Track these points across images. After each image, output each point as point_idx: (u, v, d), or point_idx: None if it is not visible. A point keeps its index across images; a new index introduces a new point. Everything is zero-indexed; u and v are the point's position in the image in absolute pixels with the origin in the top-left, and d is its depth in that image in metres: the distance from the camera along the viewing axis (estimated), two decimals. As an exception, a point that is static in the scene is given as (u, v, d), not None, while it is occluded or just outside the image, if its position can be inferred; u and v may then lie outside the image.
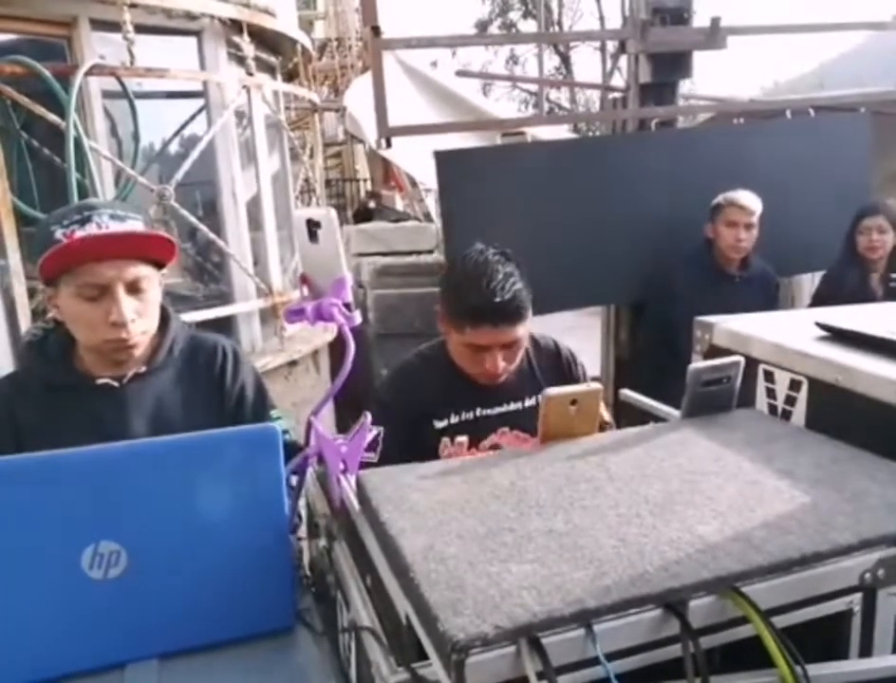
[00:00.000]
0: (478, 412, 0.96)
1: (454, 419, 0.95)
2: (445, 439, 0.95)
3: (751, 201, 1.78)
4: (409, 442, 0.90)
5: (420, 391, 0.95)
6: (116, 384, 0.82)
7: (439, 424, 0.95)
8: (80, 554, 0.57)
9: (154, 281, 0.81)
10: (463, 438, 0.95)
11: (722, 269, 1.84)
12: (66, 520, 0.57)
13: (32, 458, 0.58)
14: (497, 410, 0.97)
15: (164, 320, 0.87)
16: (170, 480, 0.59)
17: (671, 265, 1.88)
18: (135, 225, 0.79)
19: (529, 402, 0.97)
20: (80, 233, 0.75)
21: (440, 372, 0.97)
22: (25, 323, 1.91)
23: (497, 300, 0.86)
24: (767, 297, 1.87)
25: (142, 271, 0.79)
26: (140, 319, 0.79)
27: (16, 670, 0.57)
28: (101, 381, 0.82)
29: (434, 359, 0.99)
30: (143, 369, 0.84)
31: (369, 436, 0.87)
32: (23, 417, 0.80)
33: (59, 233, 0.75)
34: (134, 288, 0.78)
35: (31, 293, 1.95)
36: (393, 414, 0.92)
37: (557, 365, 1.03)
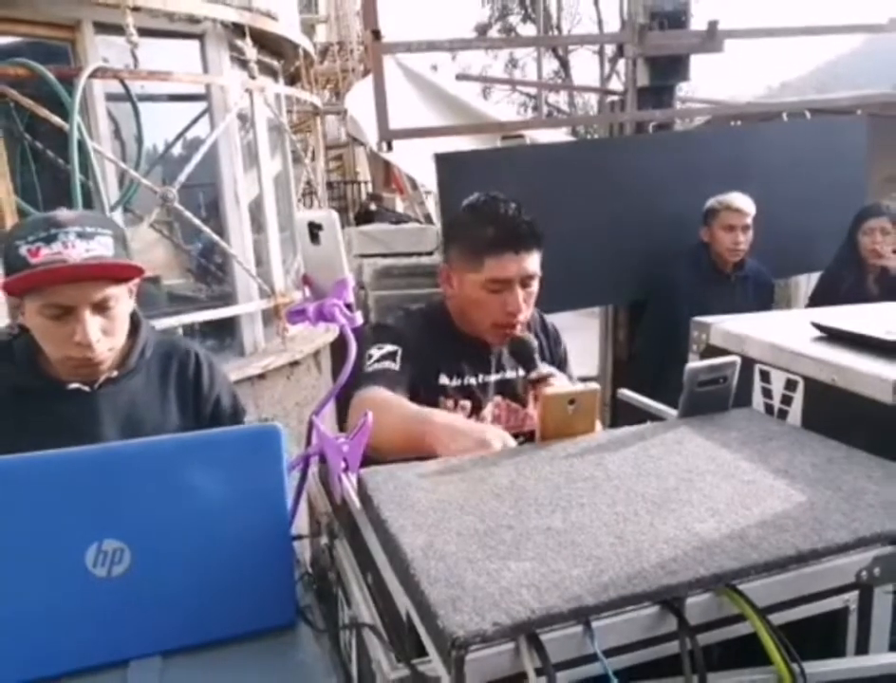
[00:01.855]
0: (480, 377, 0.95)
1: (457, 381, 0.92)
2: (448, 401, 0.91)
3: (745, 203, 1.79)
4: (415, 379, 0.86)
5: (428, 341, 0.92)
6: (87, 389, 0.81)
7: (444, 380, 0.91)
8: (84, 552, 0.58)
9: (121, 297, 0.80)
10: (466, 403, 0.93)
11: (717, 271, 1.84)
12: (70, 518, 0.57)
13: (36, 457, 0.59)
14: (494, 377, 0.96)
15: (135, 325, 0.86)
16: (173, 478, 0.60)
17: (667, 266, 1.89)
18: (103, 241, 0.76)
19: (521, 372, 0.95)
20: (45, 251, 0.73)
21: (444, 333, 0.95)
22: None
23: (516, 225, 0.86)
24: (762, 298, 1.87)
25: (109, 291, 0.77)
26: (105, 337, 0.78)
27: (20, 667, 0.58)
28: (72, 387, 0.80)
29: (437, 320, 0.96)
30: (115, 373, 0.83)
31: (380, 352, 0.83)
32: None
33: (23, 249, 0.73)
34: (100, 307, 0.77)
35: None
36: (405, 340, 0.88)
37: (545, 337, 1.03)
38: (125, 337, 0.84)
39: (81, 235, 0.75)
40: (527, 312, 0.91)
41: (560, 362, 1.04)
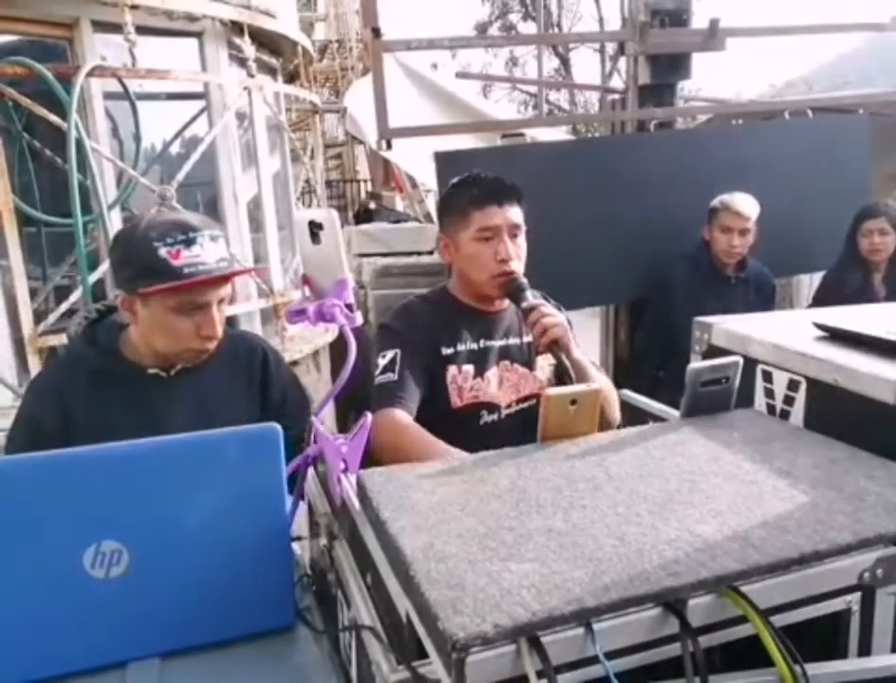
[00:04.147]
0: (482, 342, 1.00)
1: (460, 347, 0.99)
2: (452, 367, 0.98)
3: (746, 206, 1.77)
4: (420, 366, 0.94)
5: (426, 323, 1.00)
6: (164, 375, 0.86)
7: (446, 351, 0.98)
8: (82, 553, 0.57)
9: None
10: (469, 367, 0.98)
11: (718, 271, 1.84)
12: (69, 519, 0.57)
13: (35, 458, 0.59)
14: (499, 343, 1.02)
15: None
16: (171, 480, 0.59)
17: (668, 265, 1.88)
18: (223, 244, 0.84)
19: (526, 338, 1.03)
20: (185, 254, 0.79)
21: (444, 308, 1.03)
22: (27, 322, 1.91)
23: (496, 182, 0.98)
24: (763, 298, 1.86)
25: (229, 289, 0.86)
26: (220, 330, 0.85)
27: (18, 668, 0.57)
28: (151, 371, 0.86)
29: (436, 299, 1.05)
30: (190, 363, 0.87)
31: (383, 361, 0.92)
32: (72, 402, 0.83)
33: (163, 251, 0.78)
34: (220, 302, 0.84)
35: (33, 293, 1.95)
36: (403, 337, 0.97)
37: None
38: None
39: (212, 238, 0.82)
40: (518, 263, 0.98)
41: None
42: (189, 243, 0.79)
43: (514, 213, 0.98)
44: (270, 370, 0.93)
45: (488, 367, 0.99)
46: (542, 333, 0.91)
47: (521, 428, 0.88)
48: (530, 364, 1.02)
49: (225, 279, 0.83)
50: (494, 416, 0.98)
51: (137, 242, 0.79)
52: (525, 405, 1.00)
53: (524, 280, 0.97)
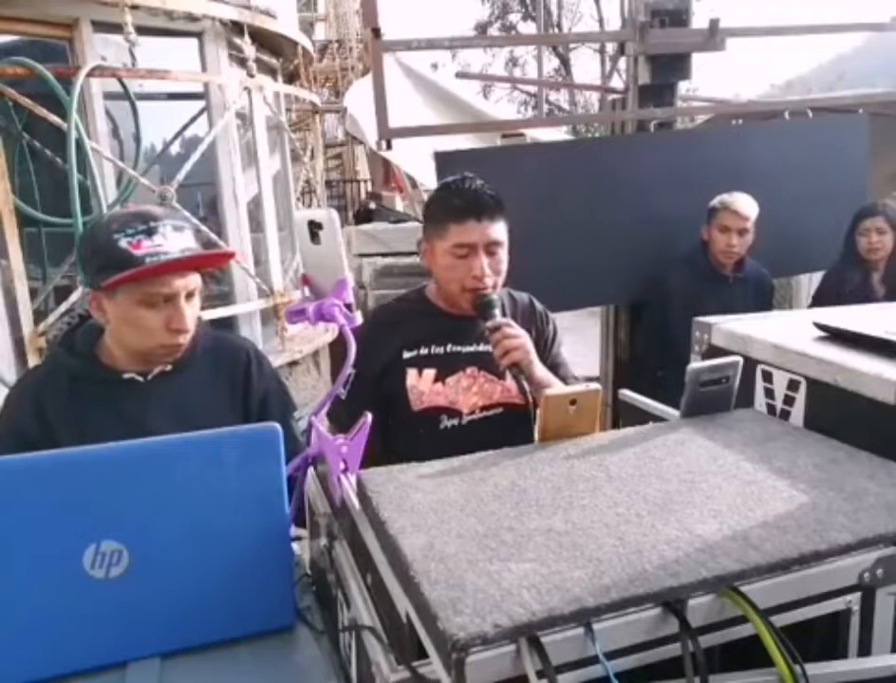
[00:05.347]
0: (449, 347, 0.99)
1: (423, 351, 0.98)
2: (412, 371, 0.97)
3: (745, 207, 1.77)
4: (377, 386, 0.94)
5: (390, 327, 0.99)
6: (141, 380, 0.84)
7: (407, 355, 0.97)
8: (81, 553, 0.57)
9: (200, 287, 0.85)
10: (431, 371, 0.97)
11: (717, 271, 1.84)
12: (68, 519, 0.57)
13: (34, 458, 0.59)
14: (468, 348, 1.00)
15: None
16: (171, 479, 0.59)
17: (667, 265, 1.88)
18: (189, 235, 0.82)
19: None
20: (146, 244, 0.76)
21: (417, 309, 1.02)
22: (27, 322, 1.91)
23: (478, 195, 0.95)
24: (761, 299, 1.86)
25: (198, 280, 0.82)
26: (192, 324, 0.82)
27: (18, 668, 0.57)
28: (127, 376, 0.83)
29: (411, 301, 1.05)
30: (168, 367, 0.85)
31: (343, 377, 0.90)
32: (50, 409, 0.82)
33: (123, 242, 0.76)
34: (190, 296, 0.81)
35: (33, 293, 1.95)
36: (359, 354, 0.94)
37: (531, 318, 1.07)
38: None
39: (175, 228, 0.79)
40: (494, 278, 0.96)
41: (548, 339, 1.08)
42: (150, 233, 0.76)
43: (494, 229, 0.95)
44: (252, 374, 0.90)
45: (452, 372, 0.98)
46: (503, 354, 0.90)
47: (486, 435, 0.88)
48: (501, 372, 0.98)
49: (188, 266, 0.78)
50: (455, 422, 0.97)
51: (99, 237, 0.77)
52: (491, 412, 0.99)
53: (495, 297, 0.95)
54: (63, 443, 0.64)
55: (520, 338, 0.91)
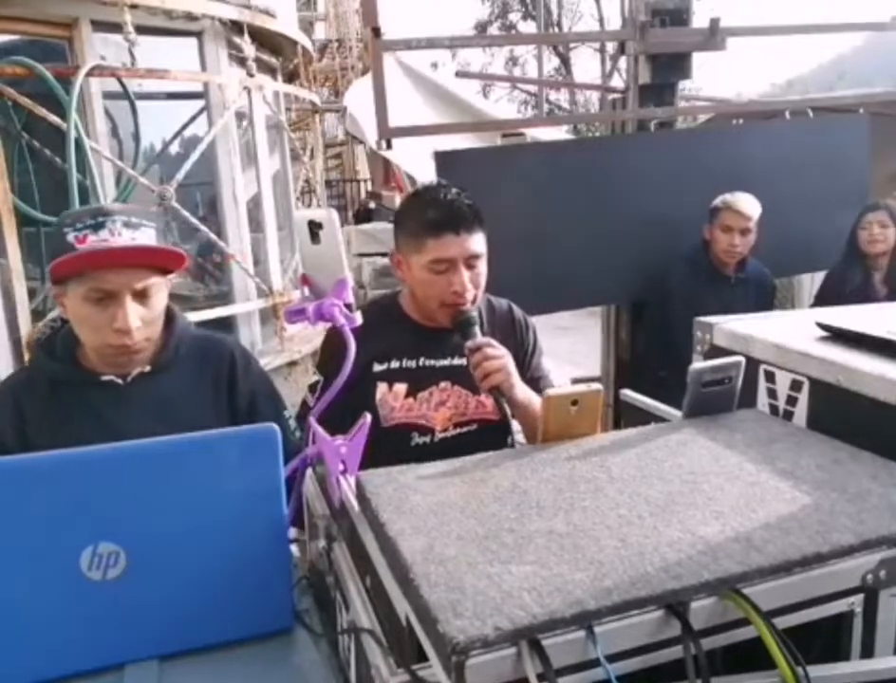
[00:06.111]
0: (422, 361, 0.95)
1: (394, 365, 0.94)
2: (383, 385, 0.93)
3: (748, 206, 1.77)
4: (345, 396, 0.88)
5: (364, 333, 0.94)
6: (120, 382, 0.83)
7: (378, 368, 0.94)
8: (79, 555, 0.57)
9: (161, 287, 0.82)
10: (402, 386, 0.93)
11: (718, 270, 1.83)
12: (65, 521, 0.57)
13: (31, 458, 0.58)
14: (442, 362, 0.96)
15: (170, 320, 0.87)
16: (169, 481, 0.59)
17: (668, 264, 1.88)
18: (147, 233, 0.79)
19: None
20: (92, 238, 0.75)
21: (390, 319, 0.98)
22: (24, 322, 1.91)
23: (455, 207, 0.90)
24: (763, 298, 1.86)
25: (150, 280, 0.79)
26: (144, 326, 0.80)
27: (15, 671, 0.57)
28: (105, 379, 0.82)
29: (385, 308, 1.00)
30: (148, 368, 0.84)
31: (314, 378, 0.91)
32: (29, 412, 0.81)
33: (71, 236, 0.75)
34: (141, 295, 0.79)
35: (32, 293, 1.95)
36: (325, 364, 0.94)
37: (510, 328, 1.03)
38: (160, 331, 0.85)
39: (127, 224, 0.77)
40: (474, 292, 0.93)
41: (528, 349, 1.04)
42: (97, 227, 0.75)
43: (473, 242, 0.90)
44: (237, 375, 0.88)
45: (424, 387, 0.94)
46: (483, 377, 0.86)
47: (458, 452, 0.80)
48: (474, 388, 0.93)
49: (123, 260, 0.75)
50: (427, 439, 0.94)
51: (54, 231, 0.78)
52: (464, 429, 0.95)
53: (474, 314, 0.92)
54: (40, 447, 0.63)
55: (502, 359, 0.87)
